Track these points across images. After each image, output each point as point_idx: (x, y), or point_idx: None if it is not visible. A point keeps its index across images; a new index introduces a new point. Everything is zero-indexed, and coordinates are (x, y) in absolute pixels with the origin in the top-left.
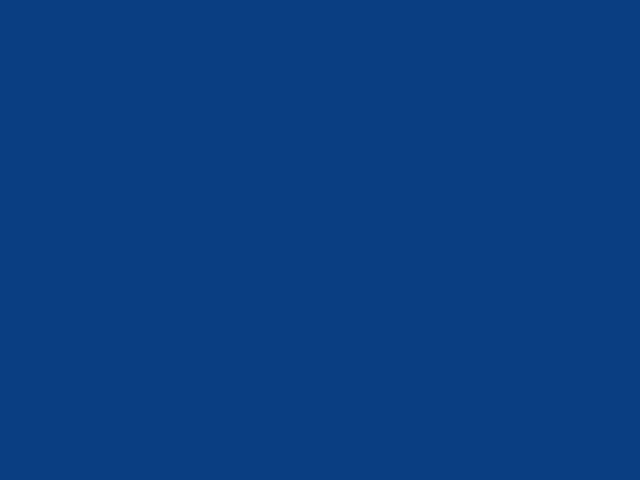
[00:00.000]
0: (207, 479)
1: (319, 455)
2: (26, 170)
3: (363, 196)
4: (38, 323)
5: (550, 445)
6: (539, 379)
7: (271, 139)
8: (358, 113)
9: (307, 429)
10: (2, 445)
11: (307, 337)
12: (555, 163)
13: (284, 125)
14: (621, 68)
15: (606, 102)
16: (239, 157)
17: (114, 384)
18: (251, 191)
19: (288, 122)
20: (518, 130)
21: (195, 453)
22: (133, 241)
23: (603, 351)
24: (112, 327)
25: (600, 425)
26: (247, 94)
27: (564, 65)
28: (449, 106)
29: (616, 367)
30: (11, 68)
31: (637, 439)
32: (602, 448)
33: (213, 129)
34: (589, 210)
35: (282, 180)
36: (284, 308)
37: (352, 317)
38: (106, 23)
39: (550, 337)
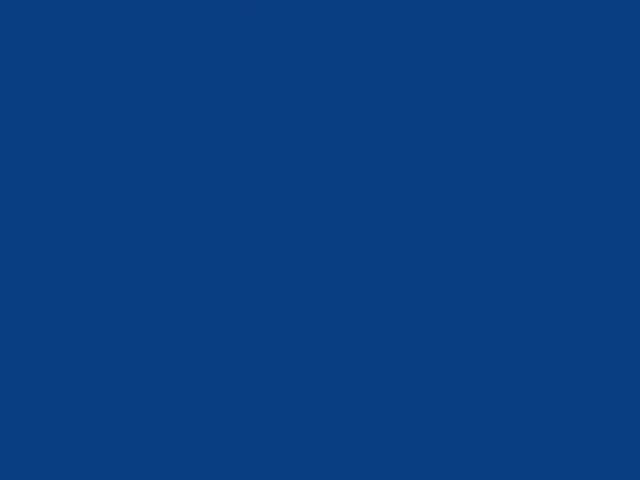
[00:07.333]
0: (207, 479)
1: (319, 455)
2: (26, 170)
3: (363, 196)
4: (38, 323)
5: (550, 445)
6: (539, 379)
7: (271, 140)
8: (358, 113)
9: (307, 429)
10: (2, 445)
11: (307, 337)
12: (555, 163)
13: (284, 125)
14: (621, 68)
15: (606, 102)
16: (239, 157)
17: (114, 384)
18: (251, 191)
19: (288, 122)
20: (518, 130)
21: (195, 453)
22: (133, 241)
23: (603, 351)
24: (112, 327)
25: (600, 425)
26: (247, 94)
27: (564, 65)
28: (449, 106)
29: (616, 367)
30: (11, 68)
31: (637, 439)
32: (602, 448)
33: (213, 129)
34: (589, 210)
35: (282, 180)
36: (284, 309)
37: (352, 317)
38: (106, 23)
39: (550, 337)
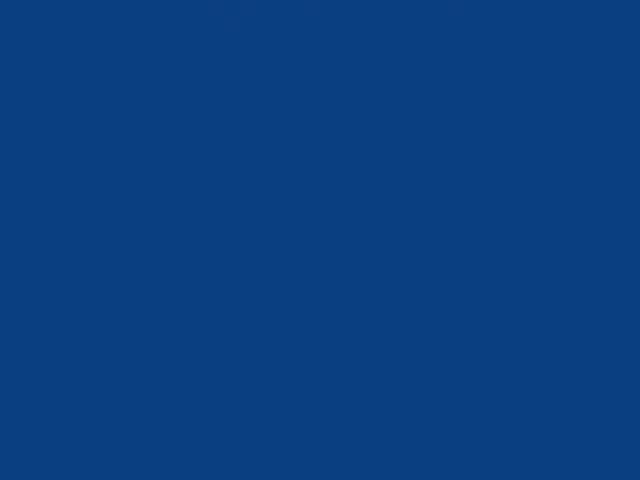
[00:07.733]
0: (207, 479)
1: (319, 455)
2: (26, 170)
3: (363, 196)
4: (38, 323)
5: (550, 445)
6: (539, 379)
7: (271, 139)
8: (358, 113)
9: (307, 429)
10: (2, 445)
11: (307, 337)
12: (555, 163)
13: (284, 125)
14: (621, 68)
15: (606, 102)
16: (239, 157)
17: (114, 384)
18: (250, 191)
19: (288, 122)
20: (518, 130)
21: (195, 453)
22: (133, 242)
23: (603, 351)
24: (112, 327)
25: (600, 425)
26: (247, 94)
27: (564, 65)
28: (449, 107)
29: (616, 367)
30: (11, 68)
31: (637, 439)
32: (602, 448)
33: (213, 129)
34: (589, 210)
35: (282, 180)
36: (284, 308)
37: (352, 317)
38: (106, 23)
39: (550, 337)
